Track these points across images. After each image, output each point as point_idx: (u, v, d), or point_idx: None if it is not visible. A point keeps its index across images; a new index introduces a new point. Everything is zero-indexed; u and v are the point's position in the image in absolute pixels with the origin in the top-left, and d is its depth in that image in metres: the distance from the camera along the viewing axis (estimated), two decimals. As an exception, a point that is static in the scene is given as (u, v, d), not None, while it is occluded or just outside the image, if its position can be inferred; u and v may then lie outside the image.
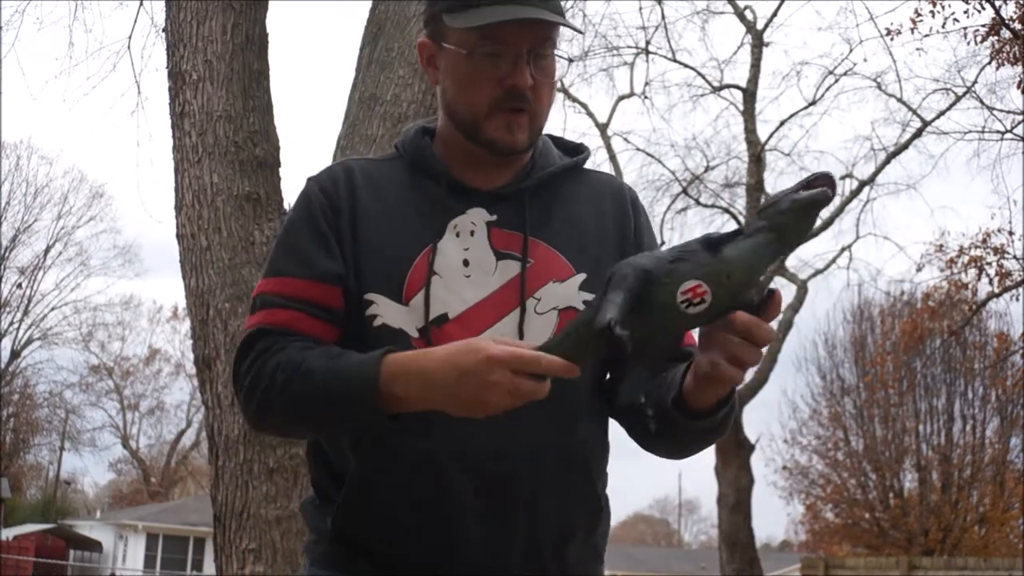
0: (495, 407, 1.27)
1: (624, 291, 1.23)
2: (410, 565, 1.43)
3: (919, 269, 13.86)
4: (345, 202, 1.50)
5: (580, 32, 1.56)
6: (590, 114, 16.15)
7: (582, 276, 1.50)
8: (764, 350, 1.31)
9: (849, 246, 16.47)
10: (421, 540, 1.43)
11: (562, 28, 1.49)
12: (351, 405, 1.35)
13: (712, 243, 1.25)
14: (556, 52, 1.51)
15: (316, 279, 1.46)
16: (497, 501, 1.41)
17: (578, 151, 1.63)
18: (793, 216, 1.23)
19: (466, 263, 1.47)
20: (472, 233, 1.48)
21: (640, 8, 19.61)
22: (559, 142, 1.65)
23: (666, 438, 1.47)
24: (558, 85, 1.51)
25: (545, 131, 1.59)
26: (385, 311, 1.44)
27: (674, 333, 1.43)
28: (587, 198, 1.58)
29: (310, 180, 1.55)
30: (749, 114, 15.40)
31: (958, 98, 13.67)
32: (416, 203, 1.51)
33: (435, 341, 1.40)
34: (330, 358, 1.38)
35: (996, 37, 11.10)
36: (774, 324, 1.32)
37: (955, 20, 11.15)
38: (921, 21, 11.50)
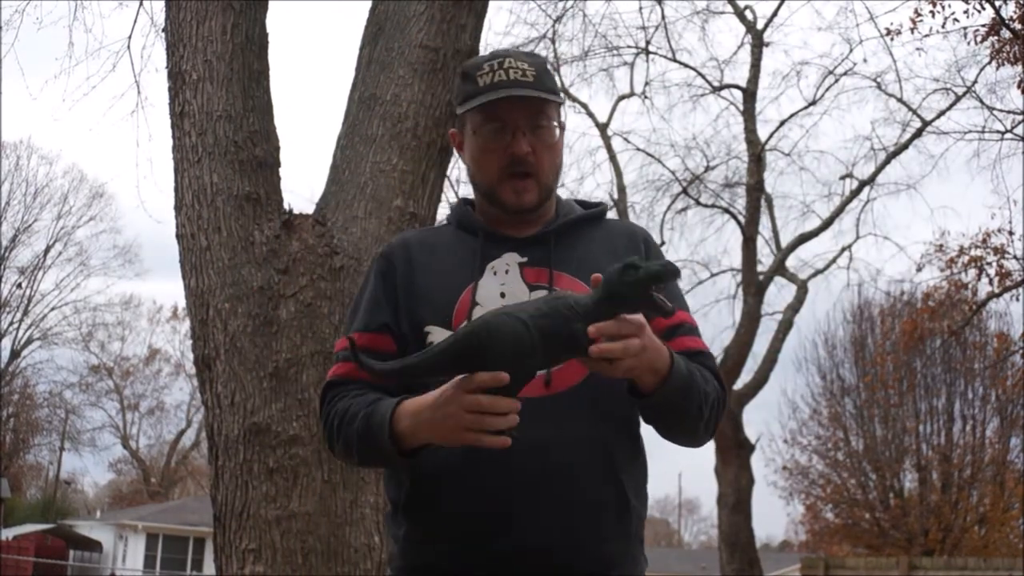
0: (464, 429, 1.55)
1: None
2: (470, 545, 1.70)
3: (919, 269, 13.89)
4: (400, 262, 1.86)
5: (561, 102, 1.87)
6: (590, 114, 16.16)
7: None
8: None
9: (849, 246, 16.45)
10: (479, 521, 1.69)
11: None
12: (379, 444, 1.68)
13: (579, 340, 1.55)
14: (555, 120, 1.84)
15: (366, 330, 1.83)
16: (539, 485, 1.68)
17: (598, 207, 1.97)
18: (630, 288, 1.55)
19: (503, 295, 1.78)
20: (507, 272, 1.82)
21: (640, 8, 19.54)
22: (583, 203, 1.98)
23: (651, 421, 1.80)
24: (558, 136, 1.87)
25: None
26: (438, 337, 1.74)
27: None
28: (602, 239, 1.90)
29: (377, 253, 1.94)
30: (749, 114, 15.39)
31: (958, 98, 13.67)
32: (460, 254, 1.86)
33: None
34: (368, 405, 1.72)
35: (996, 37, 11.10)
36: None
37: (955, 20, 11.16)
38: (921, 21, 11.51)
